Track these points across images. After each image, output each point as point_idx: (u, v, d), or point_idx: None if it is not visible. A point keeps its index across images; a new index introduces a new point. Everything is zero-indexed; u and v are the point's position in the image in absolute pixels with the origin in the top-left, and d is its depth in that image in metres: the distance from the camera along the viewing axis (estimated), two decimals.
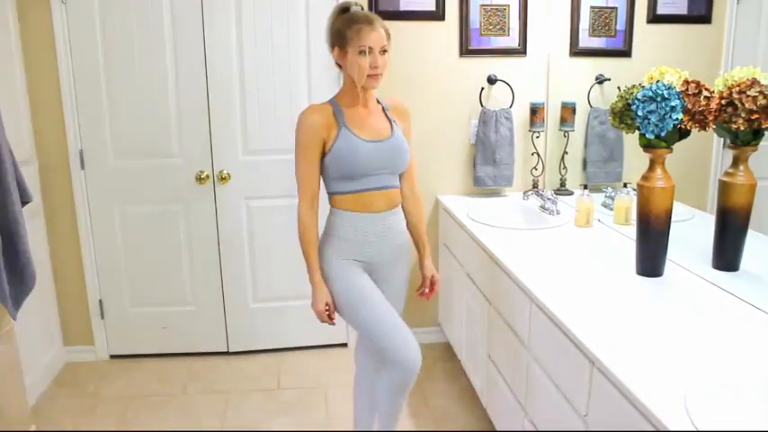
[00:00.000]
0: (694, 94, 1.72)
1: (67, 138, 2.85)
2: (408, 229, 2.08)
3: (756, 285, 1.73)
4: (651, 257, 1.87)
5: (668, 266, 1.90)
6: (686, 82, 1.75)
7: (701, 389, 1.23)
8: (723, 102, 1.64)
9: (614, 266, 1.98)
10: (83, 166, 2.90)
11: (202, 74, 2.85)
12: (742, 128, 1.61)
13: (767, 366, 1.35)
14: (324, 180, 1.95)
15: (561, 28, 2.86)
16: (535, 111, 2.92)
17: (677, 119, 1.71)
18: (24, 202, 1.88)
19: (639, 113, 1.73)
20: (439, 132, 2.99)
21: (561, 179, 2.96)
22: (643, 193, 1.83)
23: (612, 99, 1.88)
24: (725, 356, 1.39)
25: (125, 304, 3.07)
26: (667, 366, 1.35)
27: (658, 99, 1.69)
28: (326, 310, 1.93)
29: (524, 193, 2.93)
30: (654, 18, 2.47)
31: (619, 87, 1.90)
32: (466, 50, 2.92)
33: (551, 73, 2.96)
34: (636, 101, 1.74)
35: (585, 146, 2.86)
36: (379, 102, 1.99)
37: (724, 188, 1.75)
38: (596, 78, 2.75)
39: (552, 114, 2.96)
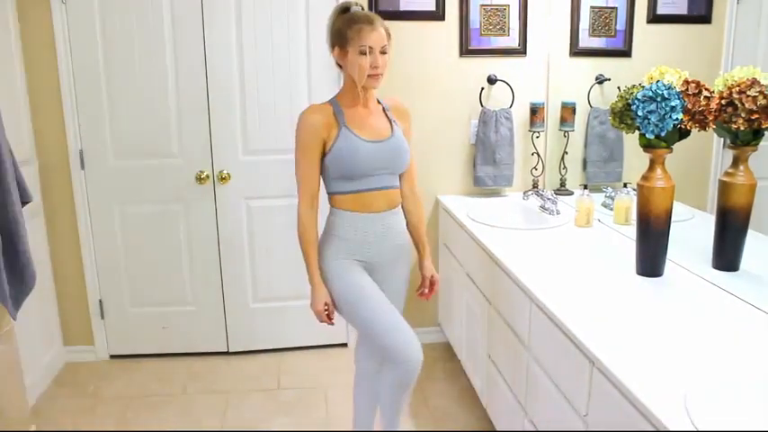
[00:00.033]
0: (694, 94, 1.72)
1: (67, 138, 2.86)
2: (408, 229, 2.08)
3: (756, 285, 1.73)
4: (651, 257, 1.87)
5: (668, 266, 1.90)
6: (686, 82, 1.75)
7: (700, 389, 1.23)
8: (723, 102, 1.64)
9: (614, 266, 1.98)
10: (83, 166, 2.90)
11: (202, 74, 2.85)
12: (742, 128, 1.61)
13: (767, 366, 1.35)
14: (324, 180, 1.95)
15: (561, 28, 2.86)
16: (535, 111, 2.92)
17: (677, 119, 1.71)
18: (24, 202, 1.88)
19: (639, 113, 1.73)
20: (439, 132, 2.99)
21: (561, 179, 2.96)
22: (643, 193, 1.83)
23: (612, 99, 1.88)
24: (725, 356, 1.39)
25: (125, 304, 3.07)
26: (667, 366, 1.35)
27: (658, 99, 1.69)
28: (325, 311, 1.93)
29: (524, 193, 2.93)
30: (654, 18, 2.47)
31: (619, 87, 1.90)
32: (466, 50, 2.92)
33: (551, 73, 2.96)
34: (636, 101, 1.74)
35: (585, 146, 2.86)
36: (379, 102, 1.99)
37: (724, 188, 1.75)
38: (596, 78, 2.75)
39: (552, 114, 2.96)
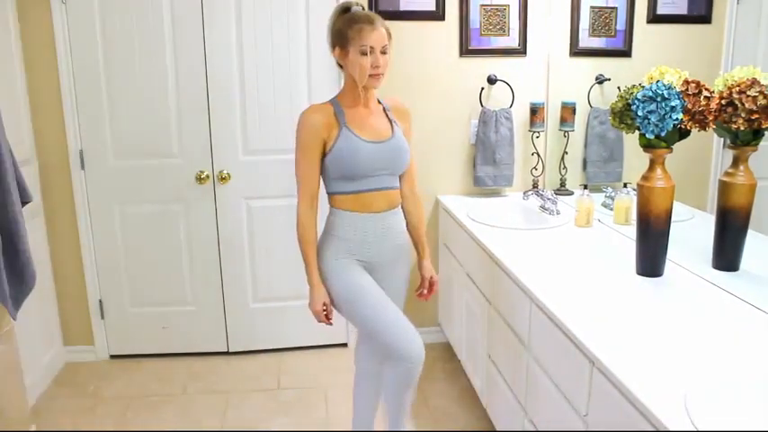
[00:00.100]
0: (694, 94, 1.72)
1: (67, 138, 2.85)
2: (408, 229, 2.08)
3: (756, 285, 1.73)
4: (651, 257, 1.87)
5: (668, 266, 1.90)
6: (686, 82, 1.75)
7: (700, 389, 1.23)
8: (723, 102, 1.64)
9: (614, 266, 1.98)
10: (83, 166, 2.90)
11: (202, 74, 2.85)
12: (742, 128, 1.61)
13: (767, 366, 1.35)
14: (324, 180, 1.96)
15: (561, 28, 2.86)
16: (535, 111, 2.92)
17: (677, 119, 1.71)
18: (24, 202, 1.88)
19: (639, 113, 1.73)
20: (439, 132, 2.99)
21: (561, 179, 2.96)
22: (643, 193, 1.83)
23: (612, 99, 1.88)
24: (725, 356, 1.39)
25: (125, 304, 3.07)
26: (667, 366, 1.35)
27: (658, 99, 1.69)
28: (324, 311, 1.93)
29: (524, 193, 2.93)
30: (654, 18, 2.47)
31: (619, 87, 1.90)
32: (466, 50, 2.92)
33: (551, 73, 2.96)
34: (636, 101, 1.74)
35: (585, 146, 2.86)
36: (379, 102, 1.99)
37: (724, 188, 1.75)
38: (596, 78, 2.75)
39: (552, 114, 2.96)
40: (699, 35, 2.27)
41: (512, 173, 2.98)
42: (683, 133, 1.80)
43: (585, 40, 2.81)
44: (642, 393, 1.24)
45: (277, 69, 2.88)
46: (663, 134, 1.73)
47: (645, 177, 1.83)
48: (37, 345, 2.79)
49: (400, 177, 2.02)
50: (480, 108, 2.94)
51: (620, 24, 2.68)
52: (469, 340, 2.59)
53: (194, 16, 2.79)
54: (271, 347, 3.16)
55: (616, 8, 2.69)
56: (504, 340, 2.11)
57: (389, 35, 1.85)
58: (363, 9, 1.91)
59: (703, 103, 1.70)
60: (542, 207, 2.68)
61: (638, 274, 1.90)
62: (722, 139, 1.84)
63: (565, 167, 2.94)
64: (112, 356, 3.12)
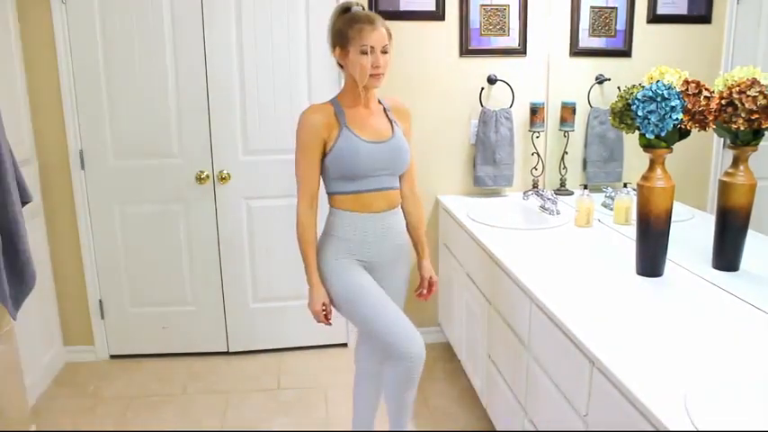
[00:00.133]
0: (694, 94, 1.72)
1: (67, 138, 2.85)
2: (408, 229, 2.08)
3: (756, 285, 1.73)
4: (651, 257, 1.87)
5: (668, 266, 1.90)
6: (686, 82, 1.75)
7: (700, 389, 1.23)
8: (723, 102, 1.64)
9: (614, 266, 1.98)
10: (83, 166, 2.90)
11: (202, 74, 2.85)
12: (742, 128, 1.61)
13: (767, 366, 1.35)
14: (323, 180, 1.96)
15: (561, 28, 2.86)
16: (535, 111, 2.92)
17: (677, 119, 1.71)
18: (24, 202, 1.88)
19: (639, 113, 1.73)
20: (439, 132, 2.99)
21: (561, 179, 2.96)
22: (643, 193, 1.83)
23: (612, 99, 1.88)
24: (725, 356, 1.39)
25: (125, 304, 3.07)
26: (667, 366, 1.35)
27: (658, 99, 1.69)
28: (323, 311, 1.93)
29: (524, 193, 2.93)
30: (654, 18, 2.47)
31: (619, 87, 1.90)
32: (466, 50, 2.92)
33: (551, 73, 2.96)
34: (636, 101, 1.74)
35: (585, 146, 2.86)
36: (380, 102, 1.99)
37: (724, 188, 1.75)
38: (596, 78, 2.75)
39: (552, 114, 2.96)
40: (699, 35, 2.27)
41: (512, 173, 2.98)
42: (683, 133, 1.80)
43: (585, 40, 2.81)
44: (642, 393, 1.24)
45: (277, 69, 2.88)
46: (663, 134, 1.73)
47: (645, 177, 1.83)
48: (37, 345, 2.79)
49: (400, 178, 2.02)
50: (480, 108, 2.94)
51: (620, 24, 2.68)
52: (469, 340, 2.59)
53: (194, 16, 2.79)
54: (271, 347, 3.16)
55: (616, 8, 2.69)
56: (504, 340, 2.11)
57: (390, 35, 1.85)
58: (363, 9, 1.91)
59: (703, 103, 1.70)
60: (542, 207, 2.68)
61: (638, 274, 1.90)
62: (722, 139, 1.84)
63: (565, 167, 2.94)
64: (112, 356, 3.12)
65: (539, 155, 2.99)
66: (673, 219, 1.84)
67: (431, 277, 2.15)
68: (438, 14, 2.88)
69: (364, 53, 1.80)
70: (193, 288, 3.08)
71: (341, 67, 1.92)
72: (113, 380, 2.93)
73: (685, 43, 2.31)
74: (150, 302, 3.08)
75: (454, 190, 3.07)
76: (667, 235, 1.85)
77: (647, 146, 1.80)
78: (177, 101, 2.87)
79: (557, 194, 2.81)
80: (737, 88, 1.60)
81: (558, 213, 2.58)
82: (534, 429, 1.87)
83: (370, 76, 1.82)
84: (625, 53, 2.69)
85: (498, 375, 2.20)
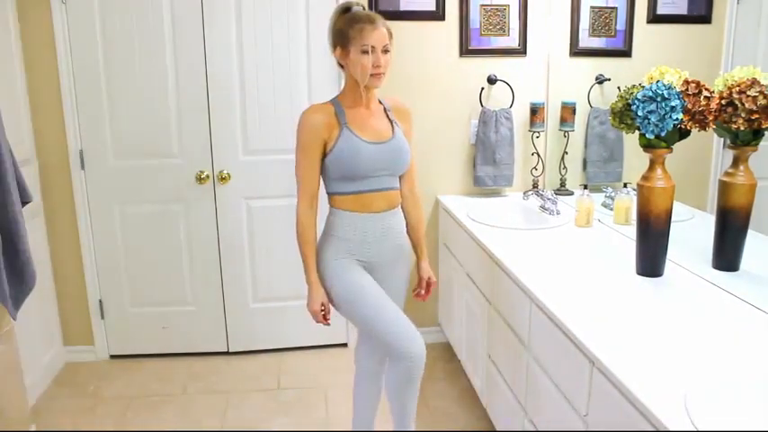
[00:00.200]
0: (694, 94, 1.72)
1: (67, 138, 2.85)
2: (407, 230, 2.08)
3: (756, 285, 1.73)
4: (651, 257, 1.87)
5: (668, 266, 1.90)
6: (686, 82, 1.75)
7: (701, 389, 1.23)
8: (723, 102, 1.64)
9: (614, 266, 1.98)
10: (83, 166, 2.90)
11: (202, 74, 2.85)
12: (742, 128, 1.61)
13: (767, 366, 1.35)
14: (324, 180, 1.95)
15: (561, 28, 2.86)
16: (535, 111, 2.92)
17: (677, 119, 1.71)
18: (24, 202, 1.88)
19: (639, 113, 1.73)
20: (439, 132, 2.99)
21: (561, 179, 2.96)
22: (643, 193, 1.83)
23: (612, 99, 1.88)
24: (725, 356, 1.39)
25: (125, 304, 3.07)
26: (667, 366, 1.35)
27: (658, 99, 1.69)
28: (322, 311, 1.93)
29: (524, 193, 2.93)
30: (654, 18, 2.47)
31: (619, 87, 1.90)
32: (466, 50, 2.92)
33: (551, 73, 2.96)
34: (636, 101, 1.74)
35: (585, 146, 2.86)
36: (380, 102, 1.98)
37: (724, 188, 1.75)
38: (596, 78, 2.75)
39: (552, 114, 2.96)
40: (699, 35, 2.27)
41: (512, 173, 2.98)
42: (683, 133, 1.80)
43: (585, 40, 2.81)
44: (642, 393, 1.24)
45: (277, 69, 2.88)
46: (663, 134, 1.73)
47: (645, 177, 1.83)
48: (37, 345, 2.79)
49: (400, 178, 2.02)
50: (480, 108, 2.94)
51: (620, 24, 2.68)
52: (469, 340, 2.59)
53: (194, 16, 2.79)
54: (271, 347, 3.16)
55: (616, 8, 2.69)
56: (504, 340, 2.11)
57: (390, 34, 1.85)
58: (364, 9, 1.91)
59: (703, 103, 1.70)
60: (542, 207, 2.68)
61: (638, 274, 1.90)
62: (722, 139, 1.84)
63: (565, 167, 2.94)
64: (112, 356, 3.12)
65: (539, 155, 2.99)
66: (673, 219, 1.84)
67: (429, 278, 2.15)
68: (438, 14, 2.88)
69: (365, 53, 1.80)
70: (193, 288, 3.08)
71: (341, 66, 1.92)
72: (113, 380, 2.93)
73: (685, 43, 2.31)
74: (150, 302, 3.08)
75: (454, 190, 3.07)
76: (667, 235, 1.85)
77: (647, 146, 1.80)
78: (177, 101, 2.87)
79: (557, 194, 2.81)
80: (737, 88, 1.60)
81: (558, 213, 2.58)
82: (534, 429, 1.87)
83: (371, 75, 1.82)
84: (625, 53, 2.69)
85: (498, 375, 2.20)
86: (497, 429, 2.27)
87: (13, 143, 1.90)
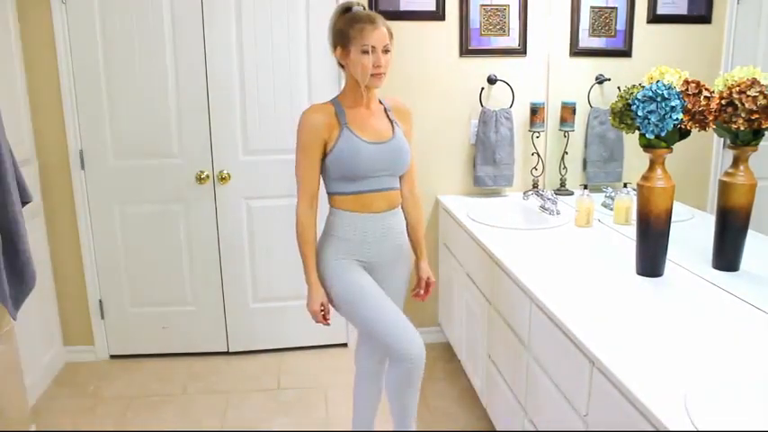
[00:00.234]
0: (694, 94, 1.72)
1: (67, 138, 2.85)
2: (407, 230, 2.08)
3: (756, 285, 1.73)
4: (651, 257, 1.87)
5: (668, 266, 1.90)
6: (686, 82, 1.75)
7: (701, 389, 1.23)
8: (723, 102, 1.64)
9: (614, 266, 1.98)
10: (83, 166, 2.90)
11: (202, 74, 2.85)
12: (742, 128, 1.61)
13: (767, 366, 1.35)
14: (324, 180, 1.95)
15: (561, 28, 2.86)
16: (535, 111, 2.92)
17: (677, 119, 1.71)
18: (24, 202, 1.88)
19: (639, 113, 1.73)
20: (439, 132, 2.99)
21: (561, 179, 2.96)
22: (643, 193, 1.83)
23: (612, 99, 1.88)
24: (725, 356, 1.39)
25: (125, 304, 3.07)
26: (667, 366, 1.35)
27: (658, 99, 1.69)
28: (321, 311, 1.93)
29: (524, 193, 2.93)
30: (654, 18, 2.47)
31: (619, 87, 1.90)
32: (466, 50, 2.92)
33: (551, 73, 2.96)
34: (636, 101, 1.74)
35: (585, 146, 2.86)
36: (381, 102, 1.98)
37: (724, 188, 1.75)
38: (596, 78, 2.75)
39: (552, 114, 2.96)
40: (699, 35, 2.27)
41: (512, 173, 2.98)
42: (683, 133, 1.80)
43: (585, 40, 2.81)
44: (642, 393, 1.24)
45: (277, 69, 2.88)
46: (663, 134, 1.73)
47: (645, 177, 1.83)
48: (37, 345, 2.79)
49: (400, 178, 2.01)
50: (480, 108, 2.94)
51: (620, 24, 2.68)
52: (469, 340, 2.59)
53: (194, 16, 2.79)
54: (271, 347, 3.16)
55: (616, 8, 2.69)
56: (504, 340, 2.11)
57: (391, 34, 1.84)
58: (364, 9, 1.91)
59: (703, 103, 1.70)
60: (542, 207, 2.68)
61: (638, 274, 1.90)
62: (722, 139, 1.84)
63: (565, 167, 2.94)
64: (112, 356, 3.12)
65: (539, 155, 2.99)
66: (673, 219, 1.84)
67: (428, 278, 2.15)
68: (438, 14, 2.88)
69: (365, 53, 1.80)
70: (193, 288, 3.08)
71: (342, 66, 1.92)
72: (113, 380, 2.93)
73: (685, 43, 2.31)
74: (150, 302, 3.08)
75: (454, 190, 3.07)
76: (667, 235, 1.85)
77: (647, 146, 1.80)
78: (177, 101, 2.87)
79: (557, 194, 2.81)
80: (737, 88, 1.60)
81: (558, 213, 2.58)
82: (534, 429, 1.87)
83: (372, 75, 1.82)
84: (625, 53, 2.69)
85: (498, 375, 2.20)
86: (497, 429, 2.27)
87: (13, 143, 1.90)
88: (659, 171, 1.81)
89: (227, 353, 3.15)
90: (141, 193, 2.96)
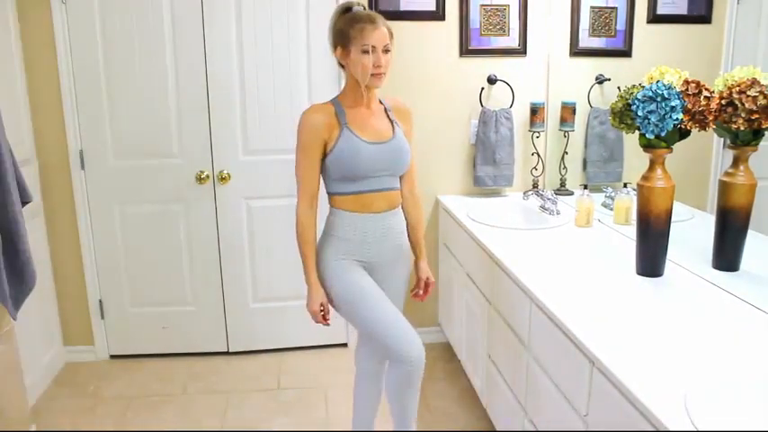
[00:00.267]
0: (694, 94, 1.72)
1: (67, 138, 2.85)
2: (406, 230, 2.08)
3: (756, 285, 1.73)
4: (651, 257, 1.87)
5: (668, 266, 1.90)
6: (686, 82, 1.75)
7: (701, 389, 1.23)
8: (723, 102, 1.64)
9: (614, 266, 1.98)
10: (83, 166, 2.90)
11: (202, 73, 2.85)
12: (742, 128, 1.61)
13: (767, 366, 1.35)
14: (324, 180, 1.95)
15: (561, 28, 2.86)
16: (535, 111, 2.92)
17: (677, 119, 1.71)
18: (24, 202, 1.88)
19: (639, 113, 1.73)
20: (439, 132, 2.99)
21: (561, 179, 2.96)
22: (643, 193, 1.83)
23: (612, 99, 1.88)
24: (725, 356, 1.39)
25: (125, 304, 3.07)
26: (667, 366, 1.35)
27: (658, 99, 1.69)
28: (321, 311, 1.93)
29: (524, 193, 2.93)
30: (654, 18, 2.47)
31: (619, 87, 1.90)
32: (466, 50, 2.92)
33: (551, 73, 2.96)
34: (636, 101, 1.74)
35: (585, 146, 2.86)
36: (381, 102, 1.98)
37: (724, 188, 1.75)
38: (596, 78, 2.75)
39: (552, 114, 2.96)
40: (699, 35, 2.27)
41: (512, 173, 2.98)
42: (683, 133, 1.80)
43: (585, 40, 2.81)
44: (642, 393, 1.24)
45: (277, 69, 2.88)
46: (663, 134, 1.73)
47: (645, 177, 1.83)
48: (37, 345, 2.79)
49: (400, 178, 2.01)
50: (480, 108, 2.94)
51: (620, 24, 2.68)
52: (469, 340, 2.59)
53: (194, 16, 2.79)
54: (271, 347, 3.16)
55: (616, 8, 2.69)
56: (504, 340, 2.11)
57: (391, 34, 1.84)
58: (364, 9, 1.91)
59: (703, 103, 1.70)
60: (542, 207, 2.68)
61: (638, 274, 1.90)
62: (722, 139, 1.84)
63: (565, 167, 2.94)
64: (112, 356, 3.12)
65: (539, 155, 2.99)
66: (673, 219, 1.84)
67: (427, 278, 2.15)
68: (438, 14, 2.88)
69: (366, 52, 1.79)
70: (193, 288, 3.08)
71: (342, 66, 1.92)
72: (113, 380, 2.93)
73: (685, 43, 2.31)
74: (150, 302, 3.08)
75: (454, 190, 3.07)
76: (667, 235, 1.85)
77: (647, 146, 1.80)
78: (177, 101, 2.87)
79: (557, 194, 2.81)
80: (737, 88, 1.60)
81: (558, 213, 2.58)
82: (534, 429, 1.87)
83: (372, 75, 1.82)
84: (625, 53, 2.69)
85: (498, 375, 2.20)
86: (497, 429, 2.27)
87: (13, 143, 1.90)
88: (659, 171, 1.81)
89: (227, 353, 3.15)
90: (141, 193, 2.96)
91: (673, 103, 1.68)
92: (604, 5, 2.73)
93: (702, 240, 1.90)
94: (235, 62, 2.85)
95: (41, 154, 2.86)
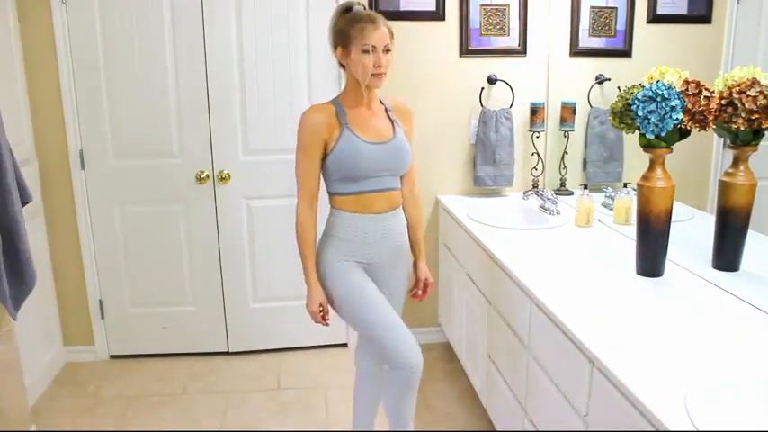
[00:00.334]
0: (694, 94, 1.72)
1: (67, 138, 2.85)
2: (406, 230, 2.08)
3: (756, 285, 1.73)
4: (651, 257, 1.87)
5: (668, 266, 1.90)
6: (686, 82, 1.75)
7: (701, 389, 1.23)
8: (723, 102, 1.64)
9: (614, 266, 1.98)
10: (83, 166, 2.90)
11: (202, 73, 2.85)
12: (742, 128, 1.61)
13: (767, 366, 1.35)
14: (324, 180, 1.95)
15: (561, 28, 2.86)
16: (535, 111, 2.92)
17: (677, 119, 1.71)
18: (24, 202, 1.88)
19: (639, 113, 1.73)
20: (439, 132, 2.99)
21: (561, 179, 2.96)
22: (643, 193, 1.83)
23: (612, 99, 1.88)
24: (725, 356, 1.39)
25: (125, 304, 3.07)
26: (667, 366, 1.35)
27: (658, 99, 1.69)
28: (320, 311, 1.93)
29: (524, 193, 2.93)
30: (654, 18, 2.47)
31: (619, 87, 1.90)
32: (466, 50, 2.92)
33: (551, 73, 2.96)
34: (636, 101, 1.74)
35: (585, 146, 2.86)
36: (381, 102, 1.98)
37: (724, 188, 1.75)
38: (596, 78, 2.75)
39: (552, 114, 2.96)
40: (699, 35, 2.27)
41: (512, 173, 2.98)
42: (683, 133, 1.80)
43: (585, 40, 2.81)
44: (642, 393, 1.24)
45: (277, 69, 2.88)
46: (663, 134, 1.73)
47: (645, 177, 1.83)
48: (37, 345, 2.79)
49: (401, 178, 2.01)
50: (480, 108, 2.94)
51: (620, 24, 2.68)
52: (469, 340, 2.59)
53: (194, 16, 2.79)
54: (271, 347, 3.16)
55: (616, 8, 2.69)
56: (504, 340, 2.11)
57: (391, 34, 1.84)
58: (365, 9, 1.91)
59: (703, 103, 1.70)
60: (542, 207, 2.68)
61: (638, 274, 1.90)
62: (722, 139, 1.84)
63: (565, 167, 2.94)
64: (112, 356, 3.12)
65: (539, 155, 2.99)
66: (673, 219, 1.84)
67: (426, 279, 2.15)
68: (438, 14, 2.88)
69: (366, 52, 1.79)
70: (193, 288, 3.08)
71: (342, 67, 1.92)
72: (113, 380, 2.93)
73: (685, 43, 2.31)
74: (150, 302, 3.08)
75: (454, 190, 3.07)
76: (667, 235, 1.85)
77: (647, 146, 1.80)
78: (177, 100, 2.87)
79: (557, 194, 2.81)
80: (737, 88, 1.60)
81: (558, 213, 2.58)
82: (534, 429, 1.87)
83: (372, 75, 1.82)
84: (625, 53, 2.69)
85: (498, 375, 2.20)
86: (497, 429, 2.27)
87: (13, 143, 1.90)
88: (659, 171, 1.81)
89: (227, 353, 3.15)
90: (141, 193, 2.96)
91: (673, 103, 1.69)
92: (604, 5, 2.73)
93: (702, 240, 1.90)
94: (235, 62, 2.85)
95: (41, 154, 2.86)
